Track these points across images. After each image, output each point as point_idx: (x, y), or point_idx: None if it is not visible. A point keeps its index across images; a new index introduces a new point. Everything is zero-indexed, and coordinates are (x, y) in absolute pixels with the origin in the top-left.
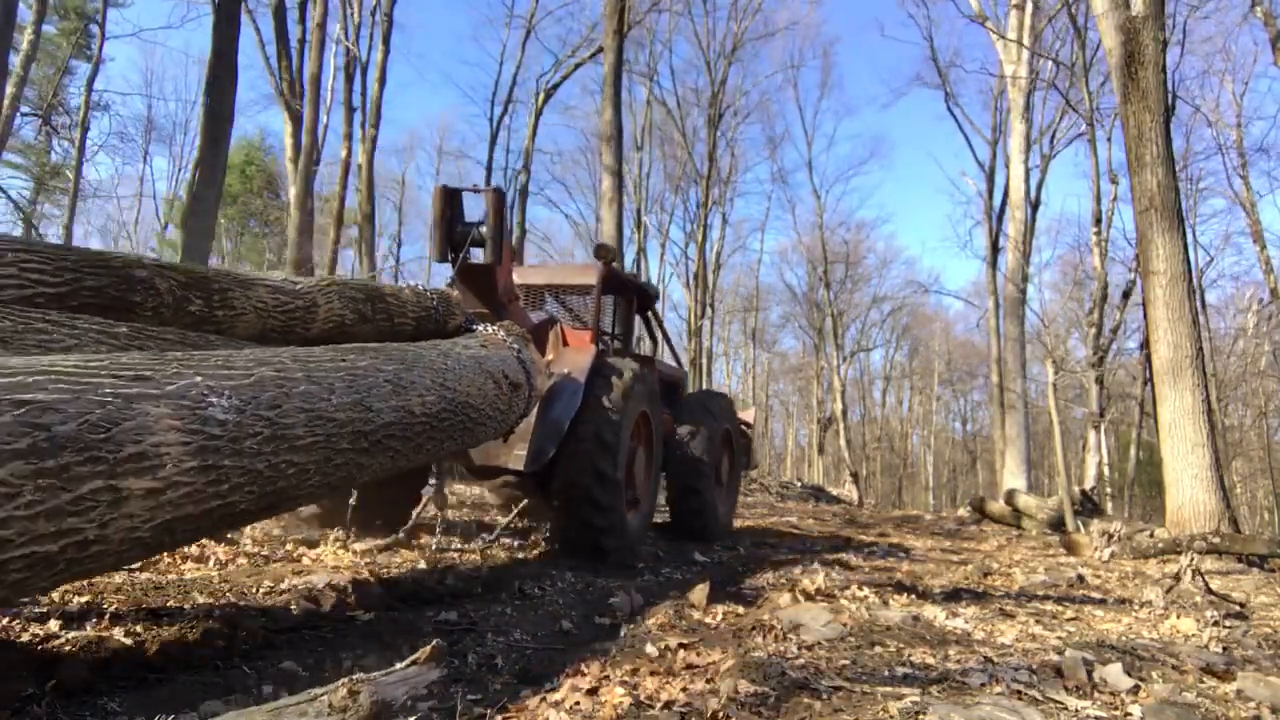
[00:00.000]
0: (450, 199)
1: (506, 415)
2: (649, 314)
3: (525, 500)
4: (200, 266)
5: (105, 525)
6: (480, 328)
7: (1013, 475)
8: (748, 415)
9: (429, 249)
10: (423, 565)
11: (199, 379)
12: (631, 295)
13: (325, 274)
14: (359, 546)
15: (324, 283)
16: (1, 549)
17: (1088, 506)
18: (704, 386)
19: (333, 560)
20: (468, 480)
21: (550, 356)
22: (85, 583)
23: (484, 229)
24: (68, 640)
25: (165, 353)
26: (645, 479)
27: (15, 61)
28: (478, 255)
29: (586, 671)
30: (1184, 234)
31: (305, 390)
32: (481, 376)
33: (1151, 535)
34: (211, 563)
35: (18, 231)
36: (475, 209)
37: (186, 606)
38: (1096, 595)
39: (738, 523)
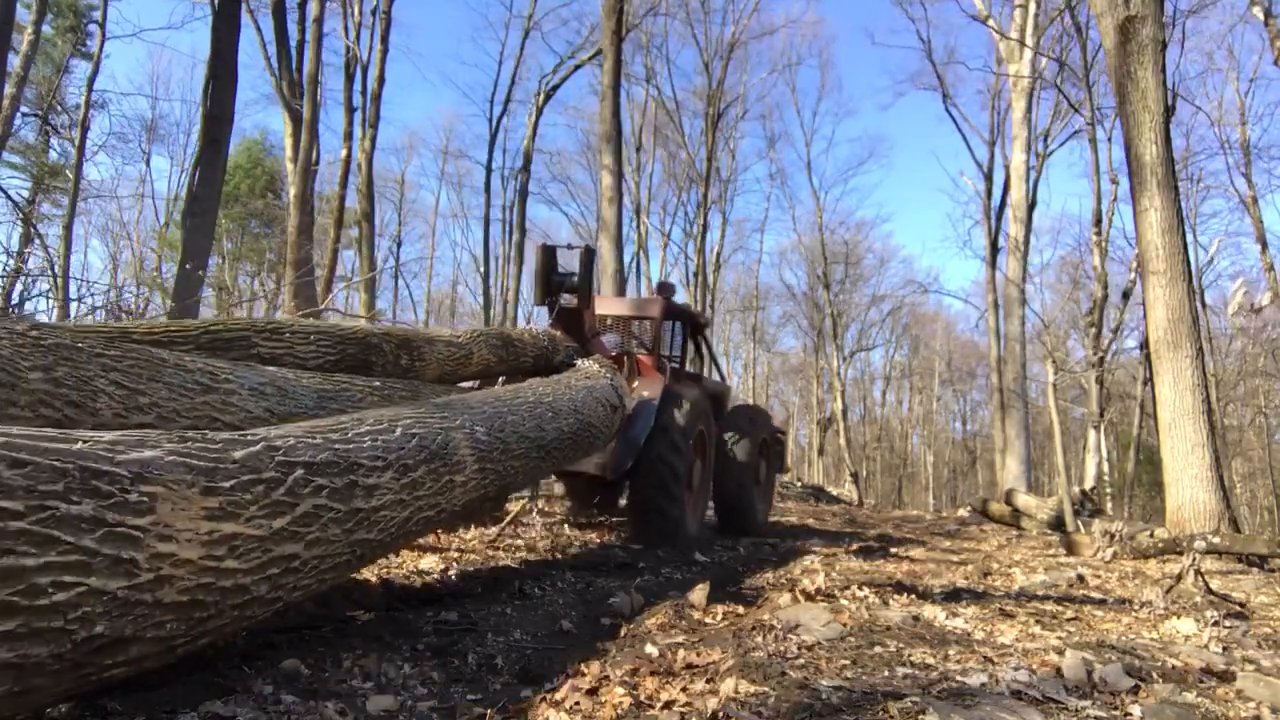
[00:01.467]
0: (549, 255)
1: (609, 432)
2: (700, 337)
3: (526, 500)
4: (404, 329)
5: (449, 501)
6: (580, 362)
7: (1013, 475)
8: (782, 424)
9: (533, 295)
10: (424, 564)
11: (465, 416)
12: (685, 323)
13: (475, 326)
14: None
15: (476, 335)
16: (419, 511)
17: (1088, 506)
18: None
19: None
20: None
21: (631, 385)
22: None
23: (575, 279)
24: None
25: (434, 400)
26: (701, 483)
27: (15, 62)
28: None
29: (586, 671)
30: (1184, 234)
31: (512, 419)
32: (595, 403)
33: (1151, 535)
34: None
35: (17, 232)
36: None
37: None
38: (1096, 595)
39: None
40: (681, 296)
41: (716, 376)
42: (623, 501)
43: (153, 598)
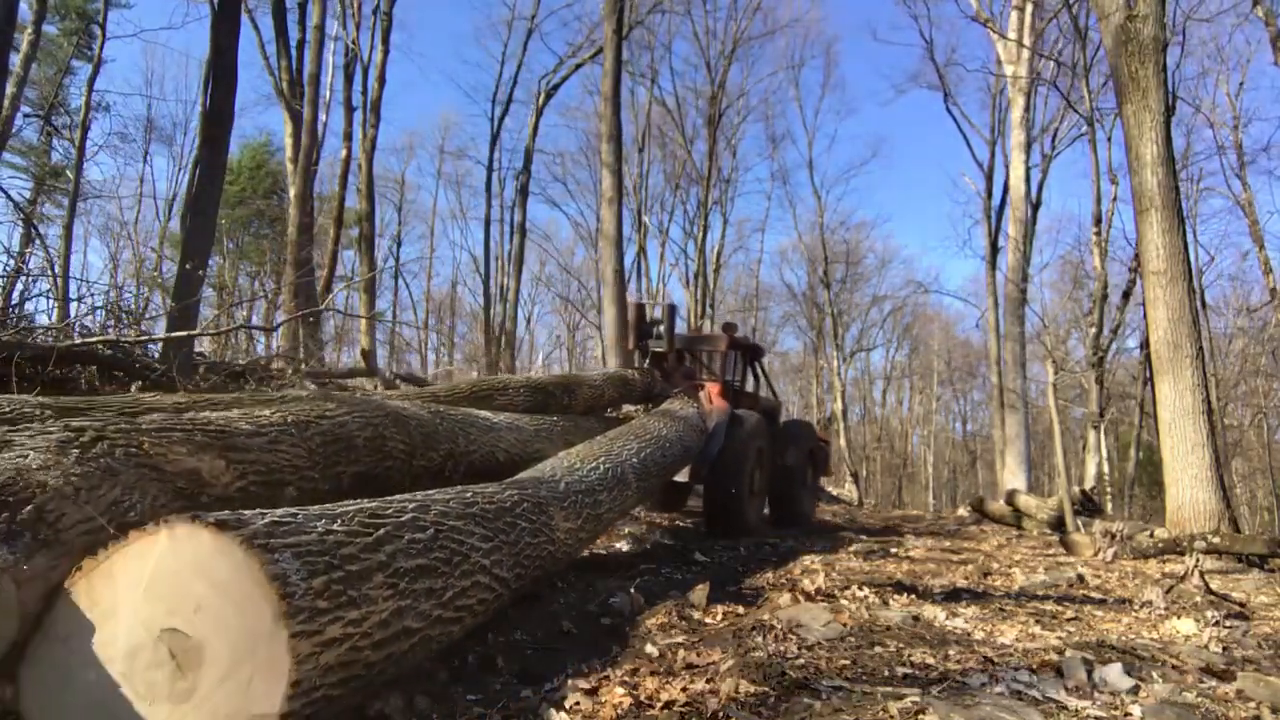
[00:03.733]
0: (640, 310)
1: (697, 450)
2: (756, 363)
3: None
4: (565, 376)
5: (625, 508)
6: (672, 395)
7: (1013, 475)
8: (826, 435)
9: (629, 340)
10: None
11: (626, 453)
12: (745, 351)
13: (606, 370)
14: None
15: (607, 378)
16: (616, 514)
17: (1088, 506)
18: None
19: None
20: None
21: (705, 409)
22: None
23: (661, 328)
24: None
25: (601, 439)
26: (760, 486)
27: (15, 61)
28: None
29: (587, 671)
30: (1184, 234)
31: (648, 452)
32: (688, 429)
33: (1151, 535)
34: None
35: (18, 233)
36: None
37: None
38: (1096, 595)
39: None
40: (680, 294)
41: (768, 394)
42: (692, 500)
43: (553, 554)
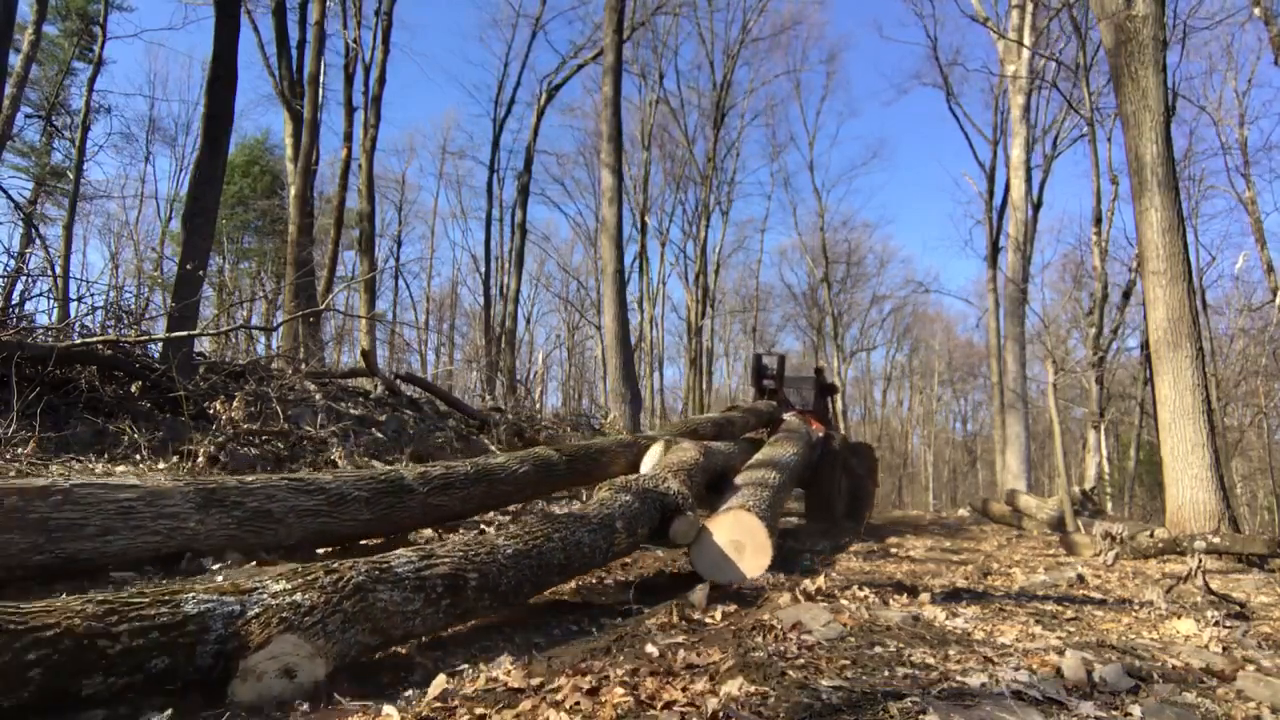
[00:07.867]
0: (759, 359)
1: (812, 462)
2: (831, 396)
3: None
4: (729, 415)
5: (787, 499)
6: (787, 417)
7: (1013, 475)
8: (876, 454)
9: (750, 379)
10: None
11: (784, 461)
12: (825, 388)
13: (743, 406)
14: None
15: (747, 411)
16: (785, 501)
17: (1088, 507)
18: (704, 386)
19: None
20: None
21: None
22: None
23: (773, 372)
24: None
25: (763, 456)
26: (843, 490)
27: (16, 61)
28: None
29: (587, 671)
30: (1184, 234)
31: (795, 462)
32: (806, 446)
33: (1152, 535)
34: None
35: (18, 233)
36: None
37: None
38: (1096, 595)
39: None
40: (680, 293)
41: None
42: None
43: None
